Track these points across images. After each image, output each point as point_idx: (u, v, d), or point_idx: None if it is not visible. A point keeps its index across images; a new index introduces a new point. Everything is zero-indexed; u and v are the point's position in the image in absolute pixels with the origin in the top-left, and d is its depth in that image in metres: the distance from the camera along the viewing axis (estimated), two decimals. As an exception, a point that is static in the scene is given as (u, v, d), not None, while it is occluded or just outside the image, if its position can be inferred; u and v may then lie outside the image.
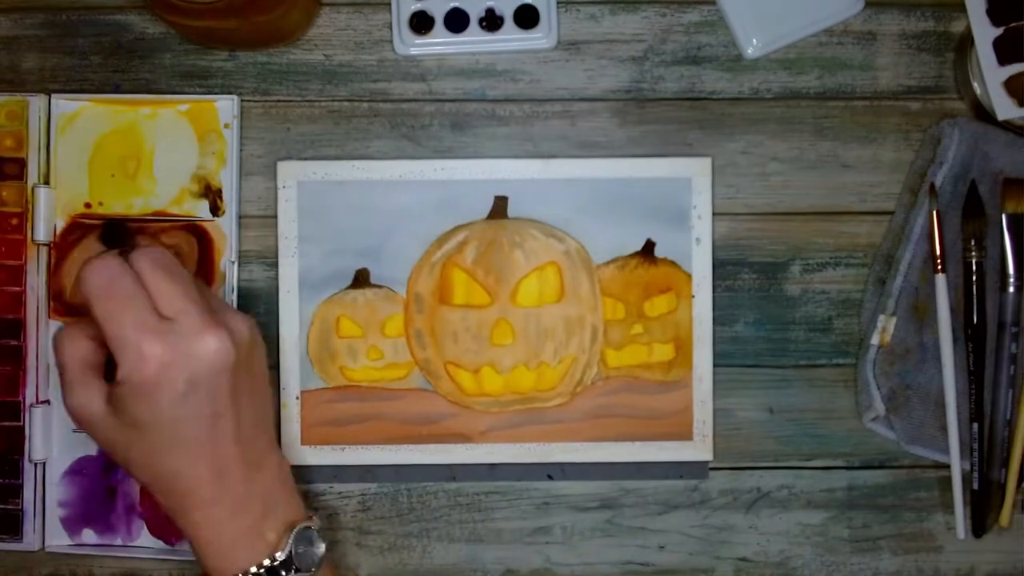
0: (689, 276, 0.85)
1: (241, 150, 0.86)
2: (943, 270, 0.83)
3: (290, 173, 0.85)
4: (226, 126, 0.86)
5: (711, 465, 0.87)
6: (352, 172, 0.85)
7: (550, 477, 0.87)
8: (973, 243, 0.83)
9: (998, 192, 0.84)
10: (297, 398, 0.85)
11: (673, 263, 0.85)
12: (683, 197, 0.85)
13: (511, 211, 0.85)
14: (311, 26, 0.86)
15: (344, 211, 0.85)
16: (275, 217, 0.85)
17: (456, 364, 0.86)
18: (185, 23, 0.78)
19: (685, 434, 0.86)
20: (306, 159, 0.86)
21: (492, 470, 0.87)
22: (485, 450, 0.86)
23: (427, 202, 0.85)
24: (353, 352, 0.86)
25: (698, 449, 0.86)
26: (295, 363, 0.85)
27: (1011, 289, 0.83)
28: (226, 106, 0.86)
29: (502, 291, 0.86)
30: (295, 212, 0.85)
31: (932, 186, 0.83)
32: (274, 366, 0.85)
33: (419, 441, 0.86)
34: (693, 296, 0.85)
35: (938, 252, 0.83)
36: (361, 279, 0.86)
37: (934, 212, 0.83)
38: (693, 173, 0.85)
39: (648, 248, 0.85)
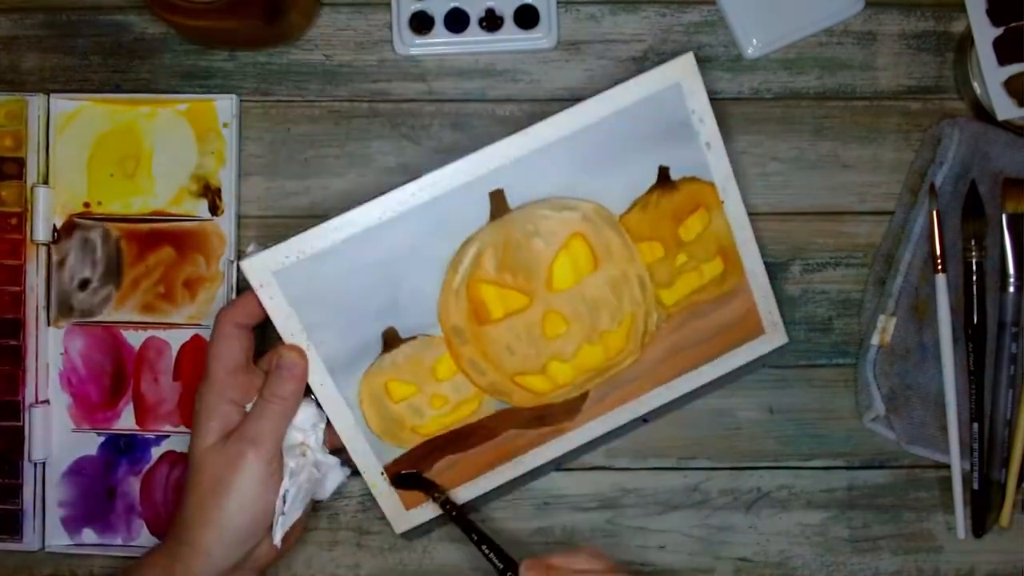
0: (712, 184, 0.80)
1: (241, 150, 0.86)
2: (943, 270, 0.83)
3: (262, 268, 0.75)
4: (225, 125, 0.86)
5: (713, 466, 0.87)
6: (325, 237, 0.75)
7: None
8: (973, 243, 0.83)
9: (998, 192, 0.84)
10: (382, 474, 0.81)
11: (692, 178, 0.80)
12: (679, 107, 0.78)
13: (512, 201, 0.78)
14: (311, 26, 0.86)
15: (339, 280, 0.76)
16: (275, 217, 0.86)
17: (521, 373, 0.81)
18: (185, 23, 0.78)
19: (757, 331, 0.84)
20: (267, 245, 0.75)
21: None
22: (583, 432, 0.84)
23: (421, 230, 0.77)
24: (416, 410, 0.81)
25: (772, 338, 0.85)
26: (363, 445, 0.80)
27: (1011, 289, 0.83)
28: (225, 105, 0.86)
29: (536, 285, 0.79)
30: (288, 308, 0.76)
31: (932, 186, 0.83)
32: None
33: (518, 454, 0.83)
34: (722, 202, 0.81)
35: (938, 252, 0.83)
36: (391, 340, 0.79)
37: (934, 212, 0.83)
38: (680, 77, 0.77)
39: (663, 175, 0.79)
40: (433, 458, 0.82)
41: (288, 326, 0.76)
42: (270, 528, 0.75)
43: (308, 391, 0.77)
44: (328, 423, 0.79)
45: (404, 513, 0.83)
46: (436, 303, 0.78)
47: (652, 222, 0.80)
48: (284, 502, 0.75)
